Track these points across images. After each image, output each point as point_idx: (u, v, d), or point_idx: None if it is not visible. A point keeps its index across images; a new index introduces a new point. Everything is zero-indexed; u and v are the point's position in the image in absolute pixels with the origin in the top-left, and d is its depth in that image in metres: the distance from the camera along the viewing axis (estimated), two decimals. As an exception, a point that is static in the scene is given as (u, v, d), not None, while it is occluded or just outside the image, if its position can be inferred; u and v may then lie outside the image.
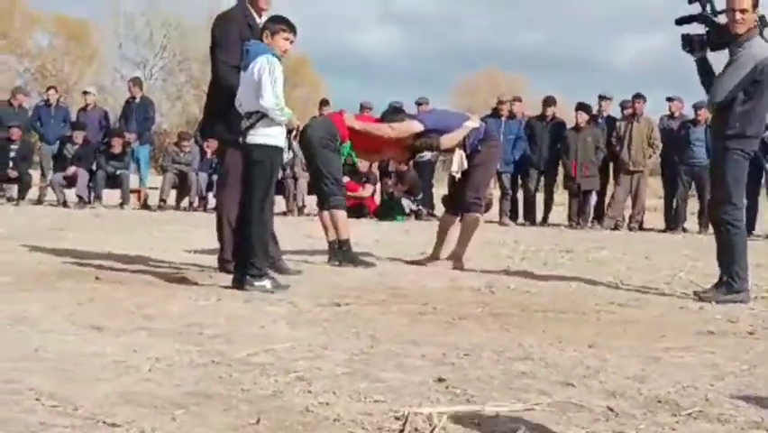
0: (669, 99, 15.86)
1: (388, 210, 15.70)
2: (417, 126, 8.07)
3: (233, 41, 6.82)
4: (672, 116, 15.74)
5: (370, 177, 15.83)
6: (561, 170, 16.01)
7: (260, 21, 6.88)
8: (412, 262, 8.27)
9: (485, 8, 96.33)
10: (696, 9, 6.62)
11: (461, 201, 8.24)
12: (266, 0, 7.03)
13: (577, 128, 15.38)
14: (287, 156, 6.66)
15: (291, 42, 6.44)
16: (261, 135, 6.21)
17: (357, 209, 15.21)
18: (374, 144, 8.26)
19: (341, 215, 7.96)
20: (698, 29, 6.66)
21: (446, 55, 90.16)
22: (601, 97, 16.17)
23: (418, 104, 16.49)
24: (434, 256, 8.28)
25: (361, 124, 8.19)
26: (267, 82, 6.11)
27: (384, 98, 16.52)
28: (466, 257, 8.21)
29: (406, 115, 8.57)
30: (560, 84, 77.16)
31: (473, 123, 8.23)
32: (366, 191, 15.91)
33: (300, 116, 7.36)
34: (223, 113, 6.84)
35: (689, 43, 6.66)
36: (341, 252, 7.92)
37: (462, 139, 8.09)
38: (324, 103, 17.45)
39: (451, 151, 8.22)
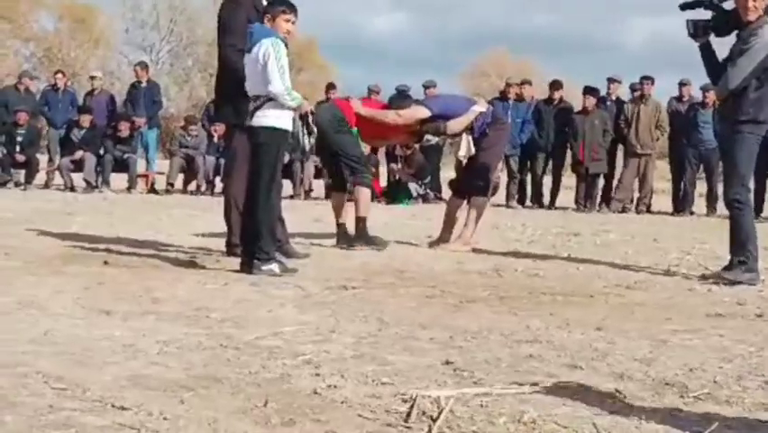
0: (681, 84, 15.79)
1: (395, 194, 15.69)
2: (424, 112, 8.06)
3: (240, 25, 6.81)
4: (680, 99, 15.69)
5: (371, 159, 15.79)
6: (568, 153, 15.97)
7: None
8: (430, 245, 8.26)
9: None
10: None
11: (469, 184, 8.24)
12: None
13: (585, 111, 15.35)
14: (308, 142, 6.66)
15: (293, 24, 6.42)
16: (267, 118, 6.20)
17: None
18: (381, 130, 8.25)
19: (364, 192, 7.95)
20: (703, 14, 6.64)
21: (456, 38, 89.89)
22: (610, 80, 16.12)
23: (425, 87, 16.42)
24: (442, 240, 8.27)
25: (367, 110, 8.16)
26: (274, 67, 6.10)
27: (392, 82, 16.46)
28: (474, 240, 8.20)
29: (412, 101, 8.54)
30: (569, 67, 76.99)
31: (480, 107, 8.21)
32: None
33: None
34: (230, 97, 6.83)
35: (693, 29, 6.64)
36: (356, 230, 7.91)
37: (470, 123, 8.08)
38: (330, 87, 17.40)
39: (458, 135, 8.21)
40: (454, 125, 8.07)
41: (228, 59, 6.94)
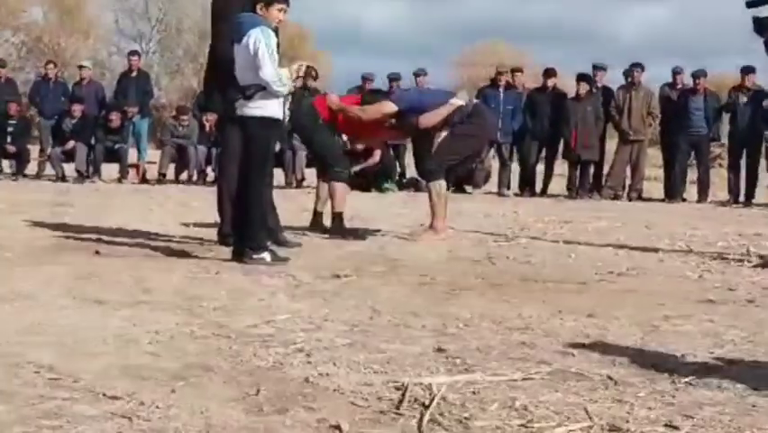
0: (675, 72, 15.79)
1: (377, 183, 15.57)
2: (390, 107, 7.92)
3: (235, 13, 6.77)
4: (673, 86, 15.69)
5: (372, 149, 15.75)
6: (562, 141, 15.96)
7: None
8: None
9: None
10: None
11: (422, 169, 8.11)
12: None
13: (578, 98, 15.33)
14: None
15: (285, 12, 6.41)
16: (257, 108, 6.19)
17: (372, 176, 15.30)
18: (364, 128, 8.21)
19: (339, 187, 7.94)
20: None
21: (453, 28, 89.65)
22: (595, 67, 16.10)
23: (416, 75, 16.40)
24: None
25: (338, 105, 8.09)
26: (265, 54, 6.09)
27: (387, 70, 16.39)
28: (465, 227, 8.18)
29: (382, 96, 8.47)
30: (566, 56, 76.80)
31: (459, 100, 8.05)
32: (374, 158, 15.86)
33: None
34: (222, 86, 6.81)
35: (759, 25, 6.61)
36: (332, 224, 7.93)
37: (447, 117, 7.92)
38: (308, 75, 17.21)
39: (439, 130, 8.03)
40: (425, 120, 7.89)
41: (221, 47, 6.90)
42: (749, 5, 6.65)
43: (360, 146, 14.20)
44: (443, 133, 7.99)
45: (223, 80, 6.74)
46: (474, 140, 8.25)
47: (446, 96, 8.19)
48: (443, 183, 7.97)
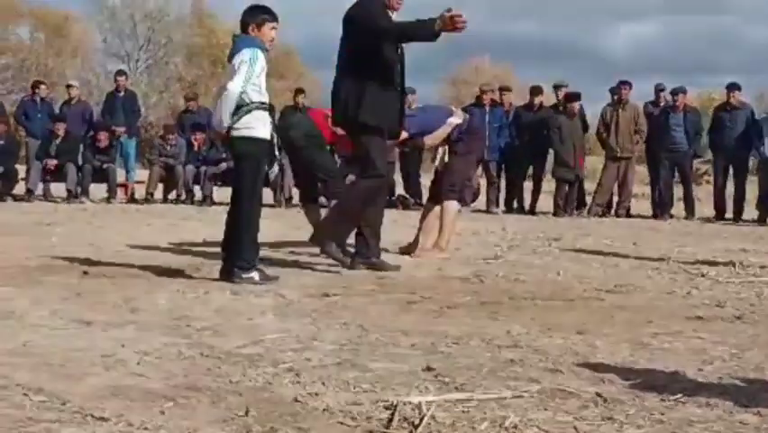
0: (659, 89, 15.88)
1: None
2: (402, 134, 8.04)
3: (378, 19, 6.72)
4: (656, 103, 15.79)
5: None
6: (549, 158, 16.02)
7: (394, 17, 6.81)
8: (401, 251, 8.23)
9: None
10: None
11: (441, 189, 8.22)
12: (398, 0, 6.85)
13: (571, 116, 15.39)
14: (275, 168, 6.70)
15: (276, 30, 6.42)
16: (245, 128, 6.18)
17: None
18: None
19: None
20: None
21: (439, 46, 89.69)
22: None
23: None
24: (415, 245, 8.26)
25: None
26: (243, 70, 6.10)
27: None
28: (452, 246, 8.20)
29: None
30: (550, 74, 77.09)
31: (457, 119, 8.19)
32: None
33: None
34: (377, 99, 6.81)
35: None
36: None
37: (447, 135, 8.09)
38: (299, 92, 17.33)
39: (435, 147, 8.26)
40: (431, 140, 8.12)
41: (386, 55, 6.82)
42: None
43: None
44: (440, 150, 8.13)
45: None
46: (474, 155, 8.54)
47: (446, 114, 8.28)
48: (455, 203, 8.15)
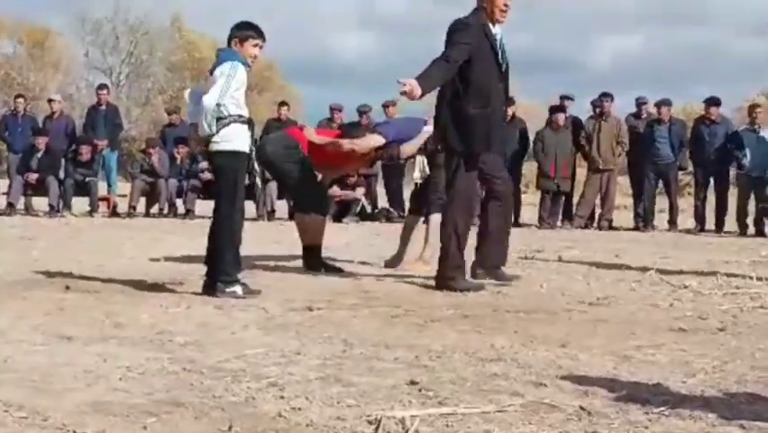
0: (640, 102, 15.95)
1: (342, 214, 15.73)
2: (378, 140, 8.03)
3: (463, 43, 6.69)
4: (638, 116, 15.86)
5: (357, 180, 15.80)
6: (530, 169, 16.08)
7: (496, 31, 6.80)
8: (386, 264, 8.23)
9: (463, 11, 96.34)
10: None
11: (425, 202, 8.20)
12: (502, 12, 6.81)
13: (557, 128, 15.44)
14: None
15: (261, 48, 6.42)
16: (224, 142, 6.17)
17: (344, 208, 15.59)
18: (333, 159, 8.18)
19: (315, 222, 7.92)
20: None
21: (424, 58, 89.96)
22: (563, 97, 16.25)
23: (385, 106, 16.47)
24: (398, 258, 8.25)
25: (321, 138, 8.13)
26: (220, 83, 6.09)
27: (357, 101, 16.49)
28: (436, 259, 8.19)
29: (366, 129, 8.53)
30: (534, 86, 77.44)
31: (431, 127, 8.16)
32: (358, 192, 15.92)
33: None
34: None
35: None
36: (308, 258, 7.90)
37: (424, 144, 8.06)
38: (282, 104, 17.39)
39: (412, 157, 8.23)
40: (408, 149, 8.07)
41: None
42: None
43: (351, 179, 14.29)
44: (419, 158, 8.10)
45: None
46: None
47: (421, 124, 8.26)
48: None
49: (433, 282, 6.97)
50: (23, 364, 3.89)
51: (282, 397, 3.42)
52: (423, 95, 6.47)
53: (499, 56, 6.83)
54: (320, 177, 8.23)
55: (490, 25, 6.80)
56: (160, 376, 3.74)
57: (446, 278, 6.76)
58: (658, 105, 15.34)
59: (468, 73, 6.69)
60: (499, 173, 7.17)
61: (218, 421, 3.08)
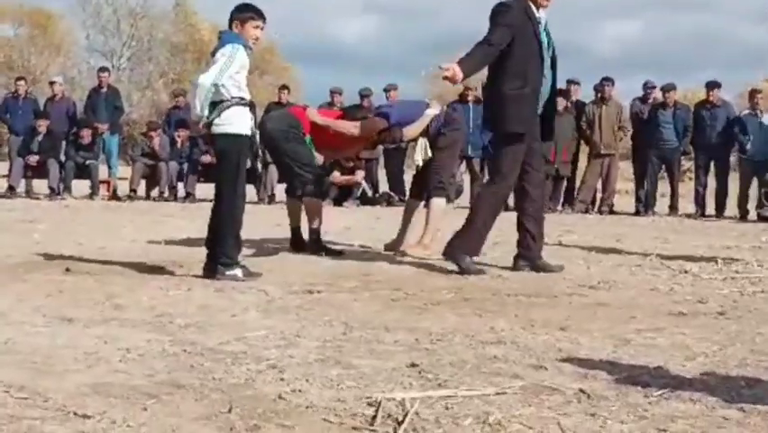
0: (649, 87, 15.88)
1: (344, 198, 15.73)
2: (381, 123, 8.01)
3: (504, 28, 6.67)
4: (644, 100, 15.80)
5: (357, 164, 15.77)
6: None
7: (539, 15, 6.78)
8: (386, 248, 8.23)
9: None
10: None
11: (426, 186, 8.19)
12: None
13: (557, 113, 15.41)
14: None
15: (261, 29, 6.41)
16: (226, 124, 6.16)
17: (345, 192, 15.54)
18: (334, 141, 8.16)
19: (313, 203, 7.90)
20: None
21: (426, 42, 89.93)
22: (570, 82, 16.21)
23: (386, 90, 16.44)
24: (398, 242, 8.24)
25: (323, 119, 8.11)
26: (219, 64, 6.08)
27: (358, 85, 16.48)
28: (435, 242, 8.19)
29: (368, 111, 8.50)
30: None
31: (433, 110, 8.15)
32: (358, 176, 15.91)
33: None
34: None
35: None
36: (309, 241, 7.90)
37: (425, 127, 8.05)
38: (283, 88, 17.33)
39: (414, 140, 8.20)
40: (410, 132, 8.04)
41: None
42: None
43: (350, 163, 14.25)
44: (421, 140, 8.08)
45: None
46: (456, 149, 8.45)
47: (423, 106, 8.24)
48: (443, 200, 8.13)
49: (433, 265, 6.97)
50: (24, 346, 3.90)
51: (282, 379, 3.43)
52: (464, 78, 6.49)
53: (543, 40, 6.81)
54: (321, 159, 8.20)
55: (534, 9, 6.79)
56: (161, 358, 3.75)
57: (457, 249, 6.75)
58: (663, 89, 15.30)
59: (507, 54, 6.68)
60: (537, 168, 7.09)
61: (218, 403, 3.08)
